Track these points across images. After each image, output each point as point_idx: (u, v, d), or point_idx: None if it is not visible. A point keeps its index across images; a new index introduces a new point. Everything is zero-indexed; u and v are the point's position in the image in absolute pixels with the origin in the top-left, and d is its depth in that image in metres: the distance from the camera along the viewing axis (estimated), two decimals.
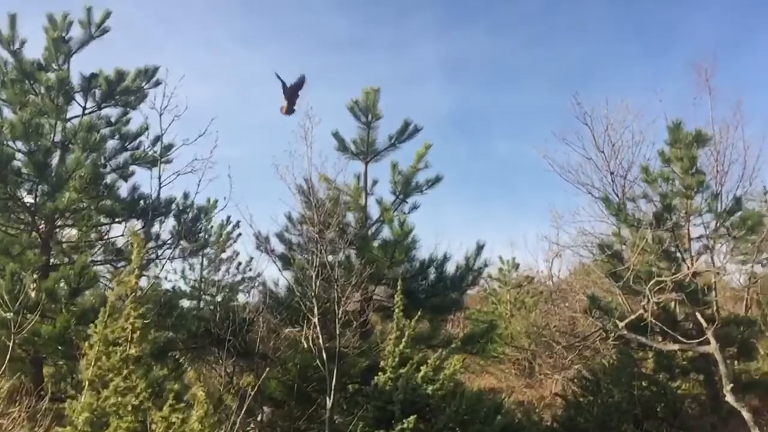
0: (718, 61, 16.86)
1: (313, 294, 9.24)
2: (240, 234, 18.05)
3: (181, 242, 11.39)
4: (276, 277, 11.64)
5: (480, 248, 11.60)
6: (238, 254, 17.77)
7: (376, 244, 10.81)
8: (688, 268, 11.23)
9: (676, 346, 10.70)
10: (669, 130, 12.08)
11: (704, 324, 10.17)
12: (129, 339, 5.86)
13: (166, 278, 15.77)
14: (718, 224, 11.86)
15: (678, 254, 11.74)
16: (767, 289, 13.81)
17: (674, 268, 11.50)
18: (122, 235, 11.03)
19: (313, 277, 9.28)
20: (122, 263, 10.67)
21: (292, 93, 10.61)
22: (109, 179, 10.62)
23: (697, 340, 10.14)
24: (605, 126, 13.40)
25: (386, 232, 10.97)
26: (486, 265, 12.05)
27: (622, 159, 13.13)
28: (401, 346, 8.55)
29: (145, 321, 5.93)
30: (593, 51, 39.12)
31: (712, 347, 9.65)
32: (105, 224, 11.10)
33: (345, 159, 11.80)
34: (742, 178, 12.67)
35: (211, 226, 15.09)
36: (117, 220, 10.89)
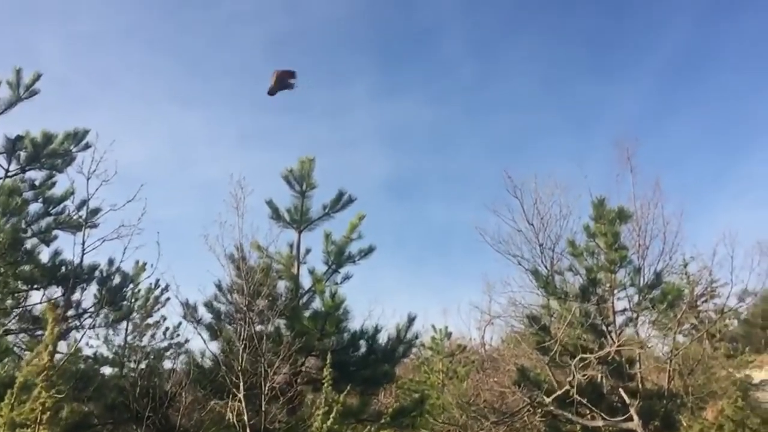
0: (639, 140, 17.68)
1: (239, 368, 9.00)
2: (168, 298, 17.54)
3: (104, 310, 10.98)
4: (203, 347, 11.32)
5: (411, 320, 11.64)
6: (165, 319, 17.20)
7: (306, 314, 10.67)
8: (613, 341, 11.51)
9: (600, 423, 10.85)
10: (593, 205, 12.59)
11: (627, 400, 10.37)
12: (38, 420, 5.54)
13: (87, 344, 15.04)
14: (640, 298, 12.27)
15: (603, 327, 12.03)
16: (689, 360, 14.24)
17: (599, 341, 11.77)
18: (41, 303, 10.56)
19: (240, 350, 9.06)
20: (39, 332, 10.18)
21: (282, 77, 10.49)
22: (29, 244, 10.24)
23: (621, 417, 10.31)
24: (534, 199, 13.83)
25: (318, 303, 10.88)
26: (417, 337, 12.09)
27: (550, 232, 13.54)
28: (329, 423, 8.35)
29: (59, 396, 5.63)
30: (527, 121, 41.04)
31: (635, 424, 9.83)
32: (23, 291, 10.61)
33: (278, 227, 11.77)
34: (662, 253, 13.20)
35: (139, 290, 14.59)
36: (36, 286, 10.43)
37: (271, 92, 10.62)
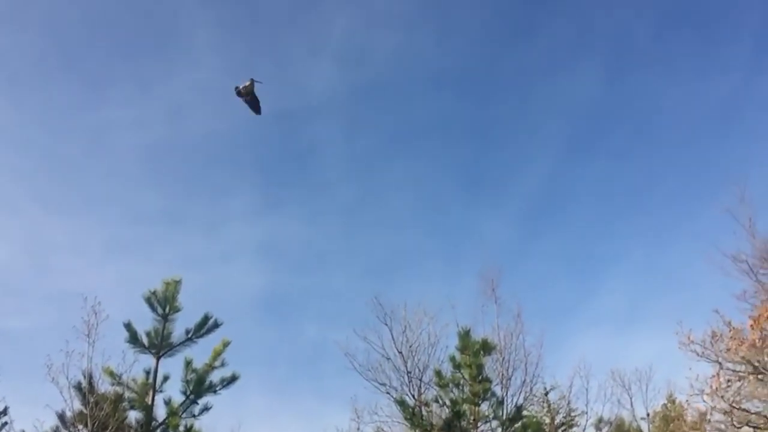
0: (503, 270, 18.75)
1: None
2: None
3: None
4: None
5: None
6: None
7: None
8: None
9: None
10: (459, 336, 12.93)
11: None
12: None
13: None
14: (503, 431, 12.47)
15: None
16: None
17: None
18: None
19: None
20: None
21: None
22: None
23: None
24: (404, 327, 14.08)
25: None
26: None
27: (418, 360, 13.72)
28: None
29: None
30: (401, 243, 42.13)
31: None
32: None
33: (136, 352, 11.03)
34: (524, 384, 13.70)
35: None
36: None
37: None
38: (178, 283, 11.34)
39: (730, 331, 13.68)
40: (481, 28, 47.98)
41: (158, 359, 11.07)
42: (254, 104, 11.00)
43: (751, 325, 13.59)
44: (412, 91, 47.51)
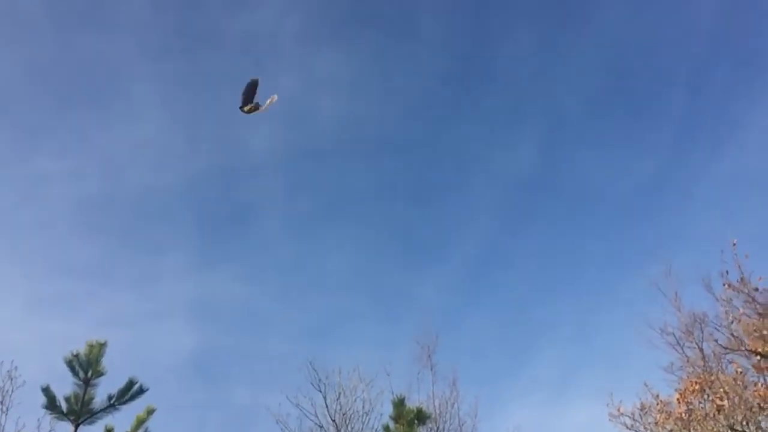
0: (439, 336, 18.77)
1: None
2: None
3: None
4: None
5: None
6: None
7: None
8: None
9: None
10: (394, 404, 12.72)
11: None
12: None
13: None
14: None
15: None
16: None
17: None
18: None
19: None
20: None
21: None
22: None
23: None
24: (338, 393, 13.83)
25: None
26: None
27: (352, 429, 13.43)
28: None
29: None
30: (339, 305, 41.71)
31: None
32: None
33: (53, 419, 10.45)
34: None
35: None
36: None
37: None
38: (102, 345, 10.88)
39: (657, 404, 13.97)
40: (423, 98, 49.66)
41: (77, 427, 10.50)
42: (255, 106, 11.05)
43: (678, 399, 13.93)
44: (354, 156, 48.48)
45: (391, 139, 47.56)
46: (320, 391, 13.70)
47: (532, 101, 48.96)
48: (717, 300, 17.53)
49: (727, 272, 15.77)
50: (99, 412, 10.70)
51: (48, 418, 10.39)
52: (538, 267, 42.58)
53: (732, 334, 16.60)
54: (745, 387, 15.04)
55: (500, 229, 45.19)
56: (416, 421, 12.56)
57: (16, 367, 9.02)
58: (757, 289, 16.51)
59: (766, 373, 16.28)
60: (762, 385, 15.35)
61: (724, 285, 17.06)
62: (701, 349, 18.76)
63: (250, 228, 46.87)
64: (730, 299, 16.21)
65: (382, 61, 50.41)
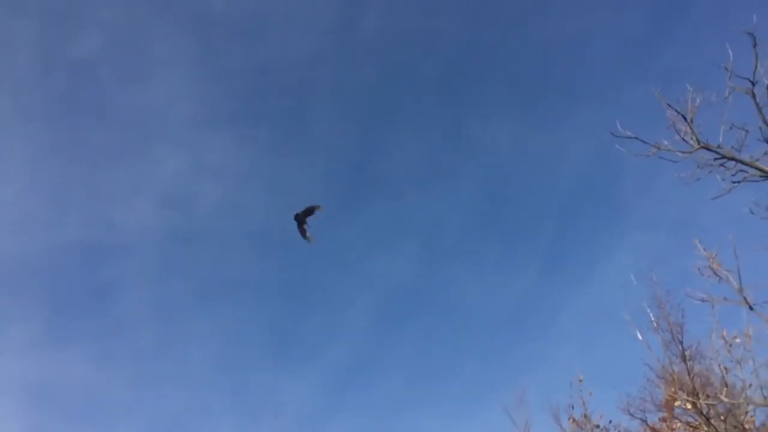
0: None
1: None
2: None
3: None
4: None
5: None
6: None
7: None
8: None
9: None
10: None
11: None
12: None
13: None
14: None
15: None
16: None
17: None
18: None
19: None
20: None
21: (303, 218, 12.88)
22: None
23: None
24: None
25: None
26: None
27: None
28: None
29: None
30: (197, 399, 39.05)
31: None
32: None
33: None
34: None
35: None
36: None
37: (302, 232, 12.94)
38: None
39: None
40: (310, 196, 48.87)
41: None
42: (302, 229, 13.03)
43: None
44: (232, 245, 48.22)
45: (274, 232, 46.52)
46: None
47: (416, 214, 50.99)
48: None
49: (572, 407, 16.75)
50: None
51: None
52: (408, 375, 41.42)
53: None
54: None
55: (373, 335, 45.42)
56: None
57: None
58: (598, 426, 17.99)
59: None
60: None
61: (569, 419, 18.43)
62: None
63: (111, 308, 43.55)
64: None
65: (271, 155, 51.26)
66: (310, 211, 12.92)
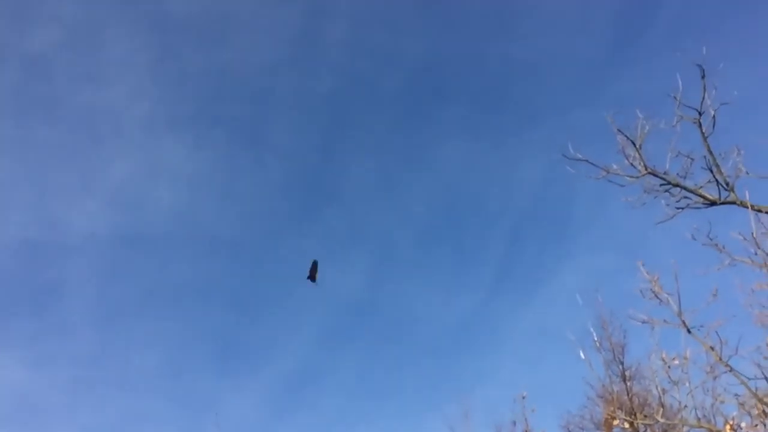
0: None
1: None
2: None
3: None
4: None
5: None
6: None
7: None
8: None
9: None
10: None
11: None
12: None
13: None
14: None
15: None
16: None
17: None
18: None
19: None
20: None
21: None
22: None
23: None
24: None
25: None
26: None
27: None
28: None
29: None
30: (137, 407, 37.72)
31: None
32: None
33: None
34: None
35: None
36: None
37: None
38: None
39: None
40: (263, 204, 49.50)
41: None
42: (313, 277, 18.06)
43: None
44: (182, 250, 47.71)
45: (223, 239, 47.72)
46: None
47: (368, 227, 51.12)
48: None
49: (515, 423, 16.25)
50: None
51: None
52: (354, 388, 41.73)
53: None
54: None
55: (319, 347, 44.64)
56: None
57: None
58: None
59: None
60: None
61: None
62: None
63: (50, 310, 41.45)
64: None
65: (226, 161, 51.05)
66: (314, 267, 17.65)
